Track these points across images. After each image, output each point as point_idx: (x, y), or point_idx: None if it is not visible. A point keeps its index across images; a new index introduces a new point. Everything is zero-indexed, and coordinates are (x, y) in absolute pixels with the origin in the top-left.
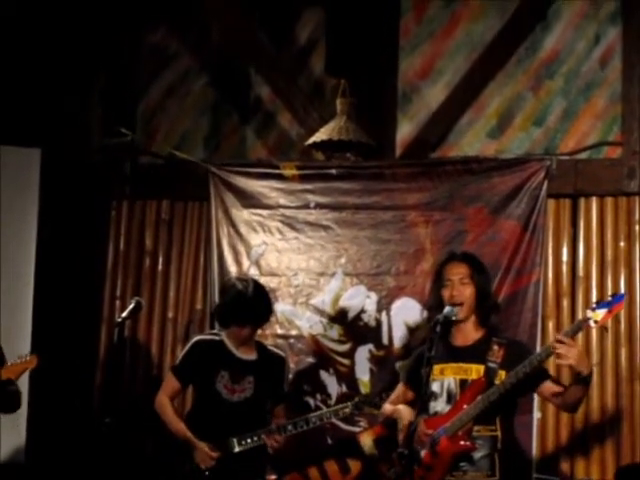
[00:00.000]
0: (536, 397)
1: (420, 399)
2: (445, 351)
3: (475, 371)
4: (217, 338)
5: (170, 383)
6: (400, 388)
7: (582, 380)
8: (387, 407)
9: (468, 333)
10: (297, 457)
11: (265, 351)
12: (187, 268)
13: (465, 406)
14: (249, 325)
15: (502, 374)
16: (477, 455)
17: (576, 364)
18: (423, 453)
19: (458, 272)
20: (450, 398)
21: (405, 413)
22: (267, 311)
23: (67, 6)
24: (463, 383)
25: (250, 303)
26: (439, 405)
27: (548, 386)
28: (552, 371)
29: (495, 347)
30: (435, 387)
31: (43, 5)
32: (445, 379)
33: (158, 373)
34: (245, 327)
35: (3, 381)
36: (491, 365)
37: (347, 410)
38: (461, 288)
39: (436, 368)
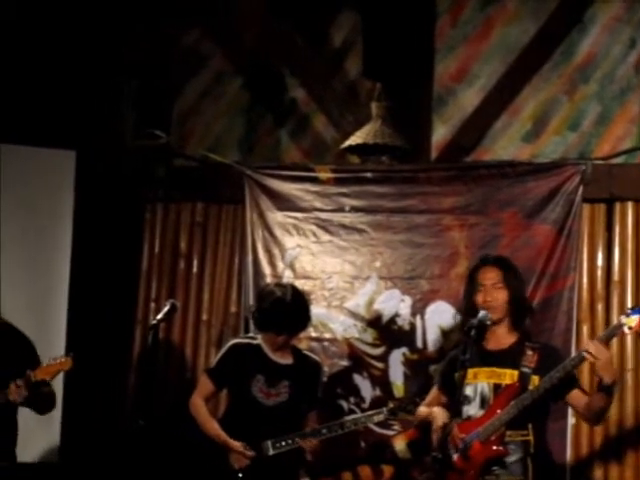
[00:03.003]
0: None
1: (453, 403)
2: (479, 355)
3: (509, 376)
4: (254, 342)
5: (205, 385)
6: (434, 392)
7: (604, 389)
8: (422, 410)
9: (502, 337)
10: (330, 461)
11: (301, 356)
12: (221, 271)
13: (498, 411)
14: (285, 333)
15: (535, 379)
16: (509, 459)
17: (601, 368)
18: (455, 457)
19: (491, 277)
20: (483, 402)
21: (439, 415)
22: (304, 319)
23: (102, 9)
24: (497, 388)
25: (288, 311)
26: (472, 409)
27: (576, 395)
28: (586, 380)
29: (529, 352)
30: (468, 391)
31: (78, 8)
32: (479, 383)
33: (192, 376)
34: (281, 334)
35: (37, 382)
36: (525, 370)
37: (382, 416)
38: (494, 293)
39: (470, 372)
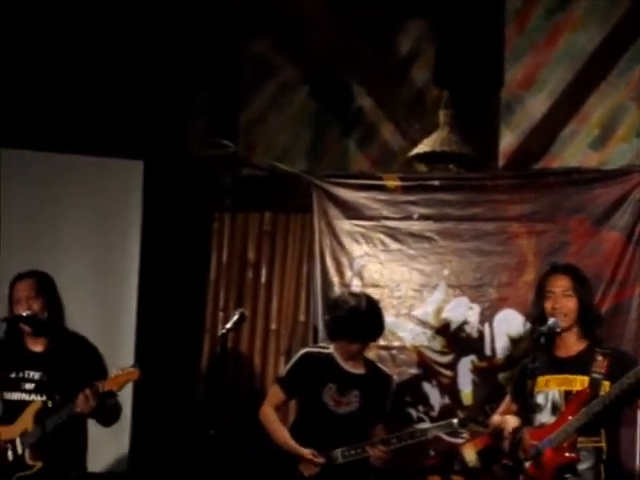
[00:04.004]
0: None
1: (525, 411)
2: (549, 363)
3: (580, 382)
4: (325, 351)
5: (275, 394)
6: (507, 401)
7: None
8: (495, 418)
9: (571, 344)
10: (400, 470)
11: (373, 368)
12: (290, 280)
13: (570, 417)
14: (359, 341)
15: (607, 385)
16: (582, 467)
17: None
18: (527, 464)
19: (561, 284)
20: (555, 410)
21: (511, 422)
22: (378, 328)
23: (170, 19)
24: (567, 394)
25: (362, 319)
26: (544, 417)
27: None
28: None
29: (599, 358)
30: (540, 399)
31: (146, 18)
32: (550, 391)
33: (260, 385)
34: (354, 343)
35: (103, 393)
36: (595, 376)
37: (452, 427)
38: (564, 300)
39: (541, 380)
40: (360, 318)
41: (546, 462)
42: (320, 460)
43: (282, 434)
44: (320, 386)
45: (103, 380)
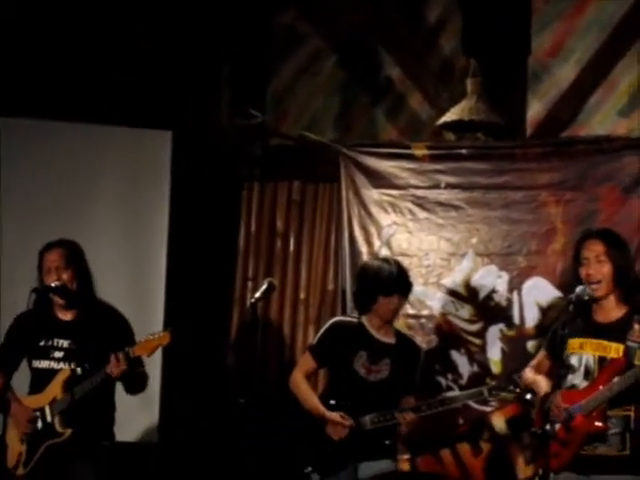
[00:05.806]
0: None
1: (556, 373)
2: (586, 326)
3: (614, 350)
4: (356, 320)
5: (306, 362)
6: (541, 355)
7: None
8: (529, 374)
9: (610, 310)
10: (430, 438)
11: (404, 338)
12: (318, 249)
13: (601, 387)
14: (396, 293)
15: None
16: (609, 432)
17: None
18: (557, 427)
19: (594, 249)
20: (588, 374)
21: (543, 385)
22: (409, 283)
23: None
24: (602, 360)
25: (394, 272)
26: (576, 379)
27: None
28: None
29: (636, 326)
30: (573, 360)
31: None
32: (584, 354)
33: (290, 354)
34: (393, 296)
35: (134, 359)
36: (631, 344)
37: (482, 395)
38: (597, 266)
39: (576, 342)
40: (392, 272)
41: (576, 427)
42: (349, 422)
43: (312, 400)
44: (351, 354)
45: (133, 345)
